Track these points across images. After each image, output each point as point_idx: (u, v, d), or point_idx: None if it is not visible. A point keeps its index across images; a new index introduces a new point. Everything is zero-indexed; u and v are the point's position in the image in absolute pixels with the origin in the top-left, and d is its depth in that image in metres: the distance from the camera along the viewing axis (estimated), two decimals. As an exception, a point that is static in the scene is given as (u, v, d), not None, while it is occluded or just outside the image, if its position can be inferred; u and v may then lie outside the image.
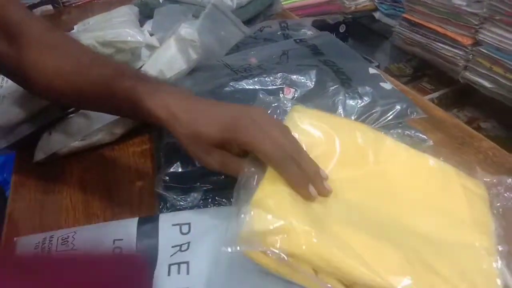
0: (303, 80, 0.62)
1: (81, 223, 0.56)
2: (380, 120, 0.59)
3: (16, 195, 0.62)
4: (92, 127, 0.66)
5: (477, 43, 1.43)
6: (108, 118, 0.65)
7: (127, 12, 0.77)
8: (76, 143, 0.66)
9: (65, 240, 0.49)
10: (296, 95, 0.61)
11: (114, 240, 0.48)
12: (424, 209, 0.46)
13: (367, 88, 0.61)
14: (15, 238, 0.52)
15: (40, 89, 0.54)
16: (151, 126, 0.66)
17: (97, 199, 0.60)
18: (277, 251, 0.38)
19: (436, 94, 1.74)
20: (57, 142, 0.65)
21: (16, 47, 0.52)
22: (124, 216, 0.54)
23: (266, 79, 0.62)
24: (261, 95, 0.56)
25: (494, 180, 0.49)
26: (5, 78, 0.70)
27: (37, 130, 0.67)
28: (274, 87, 0.62)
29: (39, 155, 0.65)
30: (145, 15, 0.86)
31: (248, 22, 0.82)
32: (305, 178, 0.42)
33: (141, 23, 0.80)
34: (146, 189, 0.60)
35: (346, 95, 0.60)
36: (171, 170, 0.56)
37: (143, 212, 0.57)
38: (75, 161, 0.66)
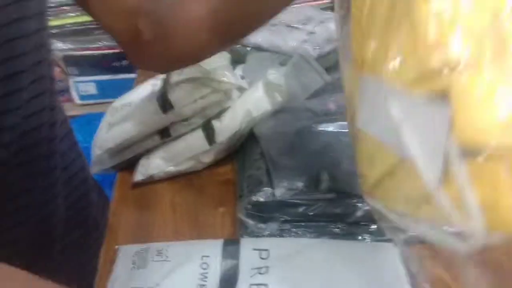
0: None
1: (170, 239, 0.63)
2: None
3: (116, 209, 0.71)
4: (185, 155, 0.74)
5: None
6: (199, 147, 0.73)
7: (221, 57, 0.87)
8: (170, 168, 0.74)
9: (160, 252, 0.56)
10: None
11: (202, 256, 0.54)
12: None
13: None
14: (116, 246, 0.60)
15: (187, 35, 0.52)
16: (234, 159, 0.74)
17: (185, 219, 0.67)
18: None
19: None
20: (154, 166, 0.74)
21: None
22: (207, 237, 0.61)
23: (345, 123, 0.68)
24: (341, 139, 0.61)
25: None
26: (115, 109, 0.81)
27: (137, 155, 0.77)
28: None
29: (138, 176, 0.74)
30: (235, 60, 0.95)
31: (328, 70, 0.88)
32: None
33: (233, 68, 0.89)
34: (228, 215, 0.67)
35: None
36: (254, 199, 0.62)
37: (224, 235, 0.63)
38: (168, 184, 0.75)
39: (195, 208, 0.69)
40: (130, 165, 0.78)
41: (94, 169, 0.78)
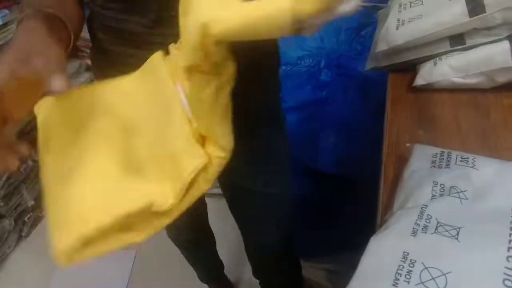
0: None
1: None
2: None
3: (391, 110, 0.69)
4: (479, 68, 0.66)
5: None
6: (499, 63, 0.65)
7: None
8: (457, 79, 0.68)
9: (465, 159, 0.52)
10: None
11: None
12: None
13: None
14: (407, 144, 0.59)
15: None
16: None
17: (472, 138, 0.62)
18: None
19: None
20: (440, 73, 0.68)
21: None
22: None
23: None
24: None
25: None
26: (402, 5, 0.75)
27: (418, 58, 0.72)
28: None
29: (419, 81, 0.70)
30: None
31: None
32: None
33: None
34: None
35: None
36: None
37: None
38: (448, 96, 0.69)
39: (482, 130, 0.63)
40: (402, 69, 0.74)
41: (369, 65, 0.76)
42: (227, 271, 1.38)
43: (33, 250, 1.59)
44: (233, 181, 0.85)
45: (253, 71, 0.59)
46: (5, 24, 1.32)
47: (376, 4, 1.41)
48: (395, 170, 0.57)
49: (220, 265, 1.32)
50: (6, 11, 1.34)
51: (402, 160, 0.57)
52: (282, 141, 0.82)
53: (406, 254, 0.42)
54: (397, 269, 0.41)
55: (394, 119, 0.67)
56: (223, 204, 1.44)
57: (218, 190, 1.58)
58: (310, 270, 1.38)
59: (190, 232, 1.07)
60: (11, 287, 1.49)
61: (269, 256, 1.01)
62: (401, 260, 0.41)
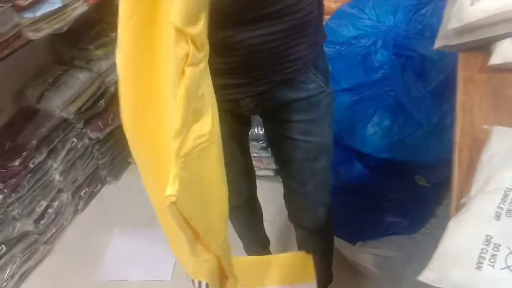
0: None
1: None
2: None
3: (463, 90, 0.66)
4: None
5: None
6: None
7: None
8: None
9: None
10: None
11: None
12: None
13: None
14: (485, 126, 0.56)
15: None
16: None
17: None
18: None
19: None
20: (518, 52, 0.64)
21: None
22: None
23: None
24: None
25: None
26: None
27: (492, 38, 0.68)
28: None
29: (495, 60, 0.66)
30: None
31: None
32: None
33: None
34: None
35: None
36: None
37: None
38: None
39: None
40: (473, 48, 0.71)
41: (438, 44, 0.73)
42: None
43: (88, 223, 1.67)
44: (274, 127, 0.89)
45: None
46: (65, 6, 1.36)
47: (439, -19, 1.35)
48: (471, 152, 0.55)
49: (266, 239, 1.33)
50: (66, -7, 1.38)
51: (478, 143, 0.55)
52: (323, 93, 0.83)
53: (490, 237, 0.40)
54: (480, 253, 0.39)
55: (467, 100, 0.64)
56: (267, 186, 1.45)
57: (262, 172, 1.60)
58: (358, 255, 1.37)
59: (241, 197, 1.09)
60: (68, 257, 1.57)
61: (306, 203, 1.01)
62: (484, 244, 0.40)
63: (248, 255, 1.32)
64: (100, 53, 1.67)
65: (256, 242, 1.31)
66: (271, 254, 1.38)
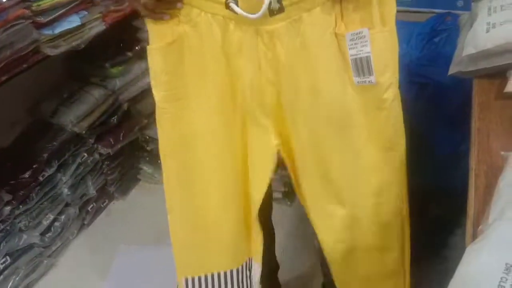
0: None
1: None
2: None
3: (479, 115, 0.66)
4: None
5: None
6: None
7: None
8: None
9: None
10: None
11: None
12: None
13: None
14: (502, 152, 0.55)
15: None
16: None
17: None
18: None
19: None
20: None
21: None
22: None
23: None
24: None
25: None
26: (492, 8, 0.72)
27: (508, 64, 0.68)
28: None
29: (510, 87, 0.66)
30: None
31: None
32: None
33: None
34: None
35: None
36: None
37: None
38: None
39: None
40: (488, 74, 0.71)
41: (453, 70, 0.73)
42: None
43: (94, 238, 1.66)
44: None
45: None
46: (83, 25, 1.39)
47: (450, 11, 1.36)
48: (487, 178, 0.54)
49: (276, 265, 1.30)
50: (85, 12, 1.41)
51: (494, 169, 0.54)
52: None
53: (509, 266, 0.39)
54: (500, 281, 0.38)
55: (483, 126, 0.63)
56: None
57: (276, 195, 1.59)
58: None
59: None
60: (72, 272, 1.56)
61: None
62: (503, 272, 0.39)
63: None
64: (115, 71, 1.70)
65: (265, 267, 1.28)
66: (278, 280, 1.35)
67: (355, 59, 0.62)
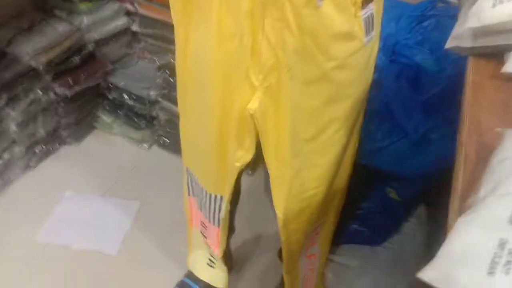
0: None
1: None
2: None
3: (472, 95, 0.62)
4: None
5: None
6: None
7: None
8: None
9: None
10: None
11: None
12: None
13: None
14: (497, 128, 0.52)
15: None
16: None
17: None
18: None
19: None
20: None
21: None
22: None
23: None
24: None
25: None
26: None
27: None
28: None
29: (509, 68, 0.63)
30: None
31: None
32: None
33: None
34: None
35: None
36: None
37: None
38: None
39: None
40: (484, 54, 0.67)
41: (450, 43, 0.69)
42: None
43: (38, 182, 1.55)
44: None
45: None
46: None
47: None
48: (477, 154, 0.51)
49: (231, 228, 1.25)
50: None
51: (484, 145, 0.51)
52: None
53: (504, 242, 0.35)
54: (493, 257, 0.34)
55: (475, 103, 0.60)
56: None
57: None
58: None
59: None
60: (10, 212, 1.45)
61: None
62: (497, 248, 0.35)
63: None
64: (83, 7, 1.57)
65: None
66: (228, 244, 1.31)
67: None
